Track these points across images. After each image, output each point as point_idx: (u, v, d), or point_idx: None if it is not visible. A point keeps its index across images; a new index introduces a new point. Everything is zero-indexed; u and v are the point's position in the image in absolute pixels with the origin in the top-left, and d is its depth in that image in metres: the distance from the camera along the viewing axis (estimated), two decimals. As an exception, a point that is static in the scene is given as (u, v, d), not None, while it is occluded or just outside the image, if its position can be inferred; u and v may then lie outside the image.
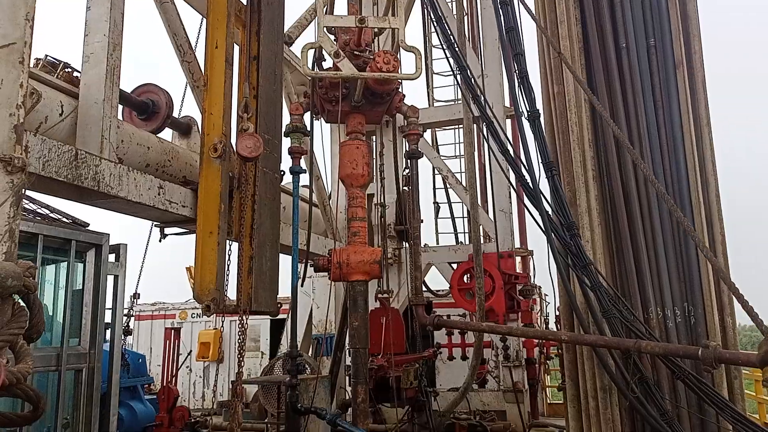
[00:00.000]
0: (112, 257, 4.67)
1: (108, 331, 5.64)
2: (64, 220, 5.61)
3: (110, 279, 4.56)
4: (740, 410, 5.03)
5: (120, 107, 5.99)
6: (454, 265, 10.90)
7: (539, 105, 6.04)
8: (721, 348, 4.48)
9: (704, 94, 5.94)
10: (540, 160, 5.77)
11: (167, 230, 6.51)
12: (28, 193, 5.46)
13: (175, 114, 6.95)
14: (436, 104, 13.34)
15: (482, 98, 6.41)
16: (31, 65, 5.39)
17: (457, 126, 13.26)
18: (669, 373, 5.28)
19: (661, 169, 5.81)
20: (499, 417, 9.95)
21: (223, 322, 6.40)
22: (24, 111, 1.91)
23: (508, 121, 12.26)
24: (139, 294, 10.93)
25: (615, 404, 5.51)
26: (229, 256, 5.41)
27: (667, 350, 4.89)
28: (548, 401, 13.40)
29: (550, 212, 5.67)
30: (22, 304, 1.74)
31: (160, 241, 6.55)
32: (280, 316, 11.54)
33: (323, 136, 9.66)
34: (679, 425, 5.05)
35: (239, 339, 5.01)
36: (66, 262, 3.68)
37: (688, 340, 5.42)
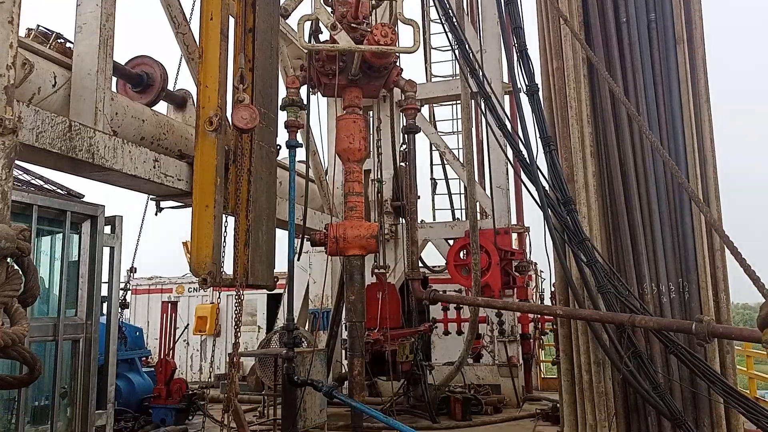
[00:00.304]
0: (107, 229, 4.66)
1: (104, 305, 5.67)
2: (59, 191, 5.58)
3: (106, 251, 4.56)
4: (732, 384, 5.09)
5: (114, 79, 5.93)
6: (451, 242, 10.94)
7: (538, 81, 5.99)
8: (714, 323, 4.53)
9: (704, 70, 5.89)
10: (538, 135, 5.75)
11: (163, 204, 6.50)
12: (22, 164, 5.42)
13: (170, 87, 6.88)
14: (434, 80, 13.22)
15: (480, 72, 6.35)
16: (23, 35, 5.31)
17: (454, 102, 13.16)
18: (662, 348, 5.33)
19: (659, 145, 5.78)
20: (493, 391, 10.09)
21: (219, 296, 6.42)
22: (15, 72, 1.87)
23: (506, 98, 12.16)
24: (135, 268, 10.95)
25: (608, 378, 5.58)
26: (225, 229, 5.40)
27: (661, 324, 4.94)
28: (542, 376, 13.56)
29: (547, 188, 5.67)
30: (17, 268, 1.74)
31: (156, 214, 6.54)
32: (277, 291, 11.60)
33: (320, 111, 9.60)
34: (671, 398, 5.11)
35: (236, 311, 5.03)
36: (61, 234, 3.67)
37: (682, 316, 5.45)
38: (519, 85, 5.85)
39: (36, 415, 3.60)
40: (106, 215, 4.18)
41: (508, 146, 6.84)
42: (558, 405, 7.69)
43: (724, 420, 5.29)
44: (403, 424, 5.67)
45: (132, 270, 10.72)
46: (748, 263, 3.49)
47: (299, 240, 7.07)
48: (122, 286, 8.99)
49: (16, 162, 4.98)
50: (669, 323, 5.01)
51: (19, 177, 5.66)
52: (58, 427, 3.55)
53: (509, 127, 6.30)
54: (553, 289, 8.70)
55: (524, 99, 5.97)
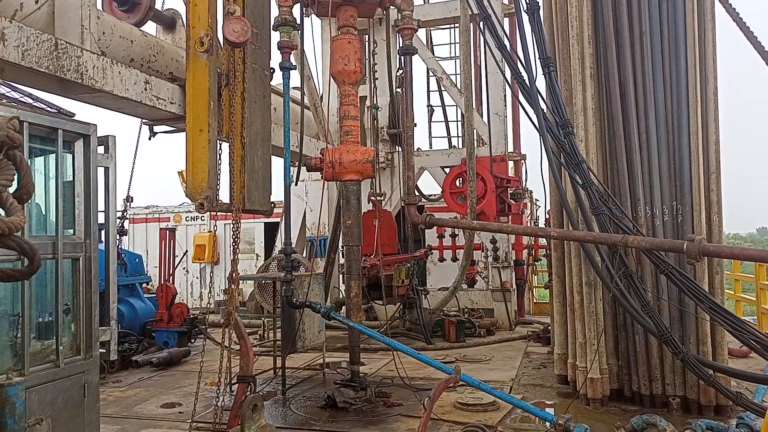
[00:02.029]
0: (101, 149, 4.60)
1: (102, 233, 5.68)
2: (49, 109, 5.48)
3: (101, 172, 4.54)
4: (719, 302, 5.22)
5: (99, -3, 5.70)
6: (447, 170, 10.93)
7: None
8: (705, 242, 4.60)
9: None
10: (537, 56, 5.62)
11: (156, 128, 6.40)
12: (11, 83, 5.28)
13: (158, 6, 6.62)
14: (431, 1, 12.77)
15: (480, -10, 6.13)
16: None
17: (453, 25, 12.79)
18: (653, 269, 5.44)
19: (661, 66, 5.68)
20: (487, 314, 10.38)
21: (216, 224, 6.39)
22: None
23: (506, 21, 11.79)
24: (132, 197, 10.93)
25: (599, 299, 5.72)
26: (221, 150, 5.36)
27: (653, 244, 5.01)
28: (535, 301, 13.91)
29: (545, 110, 5.60)
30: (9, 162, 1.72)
31: (149, 139, 6.45)
32: (274, 219, 11.67)
33: (314, 36, 9.33)
34: (659, 316, 5.26)
35: (233, 229, 5.06)
36: (54, 154, 3.63)
37: (674, 238, 5.53)
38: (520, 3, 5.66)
39: (41, 330, 3.71)
40: (98, 136, 4.12)
41: (507, 70, 6.69)
42: (549, 327, 7.94)
43: (709, 337, 5.46)
44: (398, 343, 5.84)
45: (129, 199, 10.71)
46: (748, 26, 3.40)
47: (295, 167, 7.01)
48: (119, 214, 9.01)
49: (4, 80, 4.86)
50: (661, 243, 5.09)
51: (7, 95, 5.53)
52: (63, 342, 3.65)
53: (508, 48, 6.15)
54: (547, 216, 8.77)
55: (523, 23, 5.80)
